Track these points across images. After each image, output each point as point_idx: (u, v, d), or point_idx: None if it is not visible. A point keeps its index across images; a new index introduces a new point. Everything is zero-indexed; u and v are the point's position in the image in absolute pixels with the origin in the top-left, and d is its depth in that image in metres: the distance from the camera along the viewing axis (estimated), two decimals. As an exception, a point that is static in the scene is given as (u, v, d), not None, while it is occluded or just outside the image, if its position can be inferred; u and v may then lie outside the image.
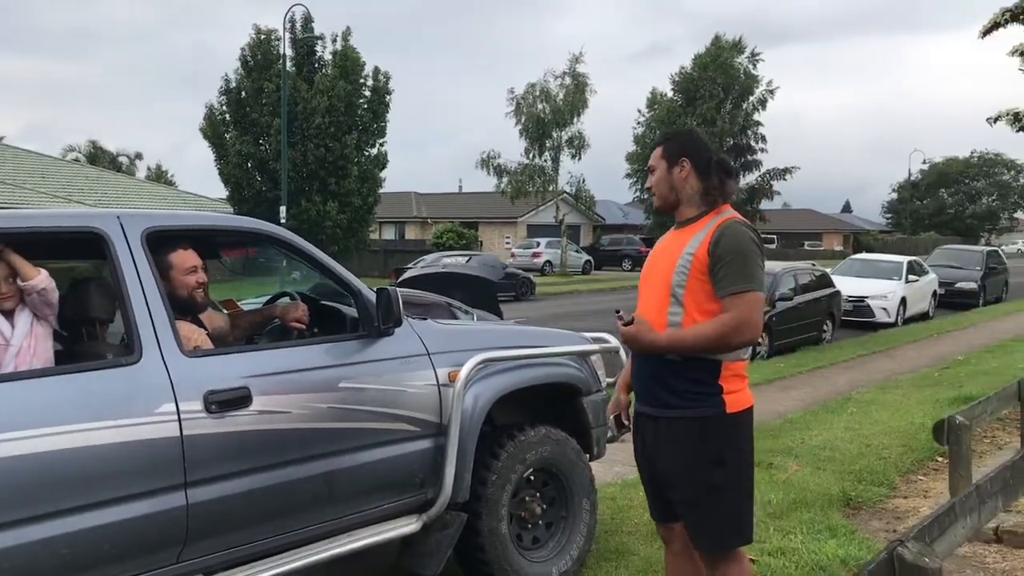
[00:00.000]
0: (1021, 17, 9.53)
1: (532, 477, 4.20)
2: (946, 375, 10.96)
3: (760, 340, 14.00)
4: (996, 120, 10.35)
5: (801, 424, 8.03)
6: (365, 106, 32.96)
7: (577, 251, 42.66)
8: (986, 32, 9.78)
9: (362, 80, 32.91)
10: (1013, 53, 10.00)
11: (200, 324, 3.56)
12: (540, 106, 36.36)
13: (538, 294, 27.67)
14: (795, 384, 10.68)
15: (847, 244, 67.85)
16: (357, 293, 3.72)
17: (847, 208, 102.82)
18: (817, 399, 9.53)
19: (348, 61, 32.44)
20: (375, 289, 3.72)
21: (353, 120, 32.25)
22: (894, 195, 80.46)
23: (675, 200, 3.11)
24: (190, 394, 3.04)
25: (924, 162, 76.69)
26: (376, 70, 33.16)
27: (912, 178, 75.69)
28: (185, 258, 3.53)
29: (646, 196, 45.47)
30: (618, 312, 3.04)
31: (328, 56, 33.07)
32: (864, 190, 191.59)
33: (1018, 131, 10.14)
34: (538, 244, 41.12)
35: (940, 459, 6.55)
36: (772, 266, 16.55)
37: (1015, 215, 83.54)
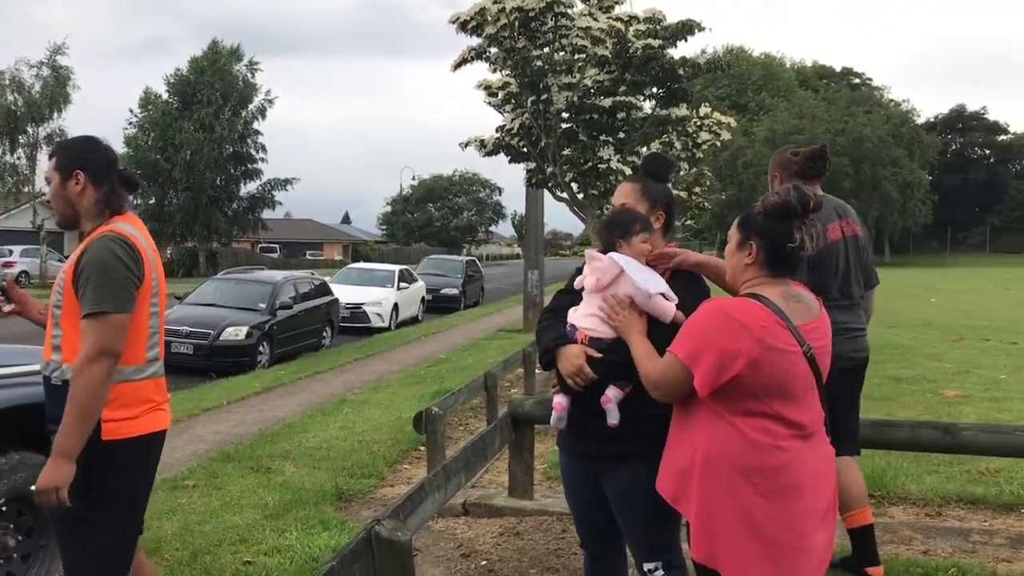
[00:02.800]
0: (483, 56, 10.89)
1: (4, 508, 3.83)
2: (430, 372, 12.10)
3: (261, 349, 14.17)
4: (467, 145, 11.66)
5: (300, 427, 8.30)
6: None
7: (60, 260, 38.79)
8: (456, 66, 11.01)
9: None
10: (479, 87, 11.36)
11: None
12: (11, 97, 32.51)
13: (14, 308, 24.67)
14: (295, 390, 10.97)
15: (347, 254, 70.93)
16: None
17: (347, 219, 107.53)
18: (315, 402, 9.91)
19: None
20: None
21: None
22: (388, 208, 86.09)
23: (73, 214, 2.93)
24: None
25: (414, 178, 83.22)
26: None
27: (404, 192, 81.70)
28: None
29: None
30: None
31: None
32: (363, 202, 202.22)
33: (484, 156, 11.52)
34: (11, 252, 36.62)
35: (423, 448, 7.23)
36: (272, 275, 16.82)
37: (490, 228, 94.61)
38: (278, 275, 16.87)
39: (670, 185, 3.17)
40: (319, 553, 4.64)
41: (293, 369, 13.03)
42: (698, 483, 2.50)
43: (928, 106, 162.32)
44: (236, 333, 13.79)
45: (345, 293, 19.54)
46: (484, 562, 4.58)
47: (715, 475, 2.47)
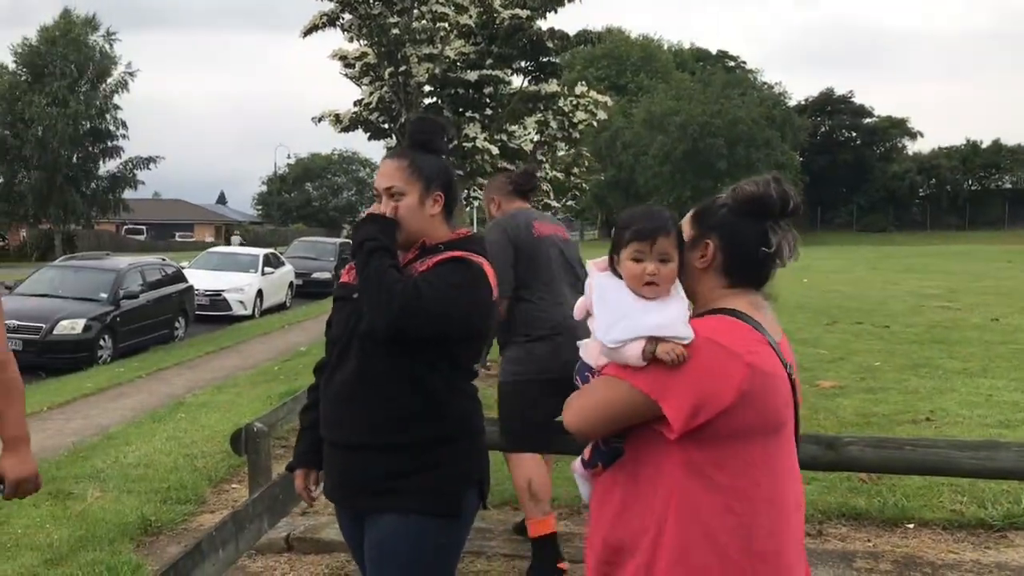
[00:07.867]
0: (336, 22, 9.99)
1: None
2: (285, 368, 11.13)
3: (102, 343, 12.98)
4: (320, 120, 10.77)
5: (121, 439, 7.30)
6: None
7: None
8: (306, 33, 10.08)
9: None
10: (333, 56, 10.46)
11: None
12: None
13: None
14: (131, 391, 9.89)
15: (219, 235, 68.22)
16: None
17: (222, 199, 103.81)
18: (150, 406, 8.89)
19: None
20: None
21: None
22: (264, 187, 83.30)
23: None
24: None
25: (290, 156, 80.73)
26: None
27: (279, 171, 79.10)
28: None
29: None
30: None
31: None
32: (239, 182, 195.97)
33: (340, 131, 10.68)
34: None
35: (259, 461, 6.39)
36: (117, 262, 15.49)
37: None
38: (123, 262, 15.55)
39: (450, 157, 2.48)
40: (94, 616, 3.79)
41: (135, 366, 11.88)
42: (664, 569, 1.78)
43: (799, 89, 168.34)
44: (72, 326, 12.53)
45: (204, 279, 18.31)
46: (299, 617, 3.83)
47: (693, 559, 1.76)
